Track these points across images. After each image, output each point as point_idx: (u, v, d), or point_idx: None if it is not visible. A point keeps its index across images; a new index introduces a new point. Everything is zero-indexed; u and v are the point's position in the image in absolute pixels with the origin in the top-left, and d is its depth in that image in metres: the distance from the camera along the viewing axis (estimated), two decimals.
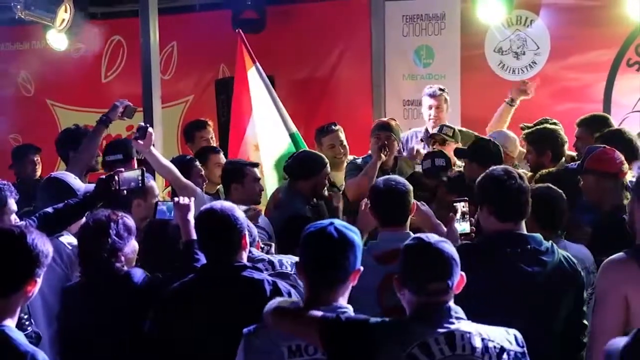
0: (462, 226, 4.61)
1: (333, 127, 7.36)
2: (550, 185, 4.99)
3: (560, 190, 4.90)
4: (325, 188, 6.54)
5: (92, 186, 5.30)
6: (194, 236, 4.59)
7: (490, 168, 4.33)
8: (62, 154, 7.24)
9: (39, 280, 3.34)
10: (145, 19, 8.61)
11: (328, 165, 6.51)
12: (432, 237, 3.41)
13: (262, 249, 5.00)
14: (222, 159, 7.02)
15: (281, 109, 7.38)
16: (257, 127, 7.40)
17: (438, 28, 9.33)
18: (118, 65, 10.85)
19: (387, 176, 5.03)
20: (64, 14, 9.30)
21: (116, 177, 5.19)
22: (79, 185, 5.40)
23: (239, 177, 6.34)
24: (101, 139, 6.80)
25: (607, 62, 8.65)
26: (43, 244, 3.32)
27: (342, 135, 7.38)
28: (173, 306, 4.23)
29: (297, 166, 6.44)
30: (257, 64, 7.51)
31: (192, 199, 4.92)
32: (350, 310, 3.44)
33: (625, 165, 5.32)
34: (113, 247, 4.50)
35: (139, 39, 8.78)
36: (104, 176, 5.32)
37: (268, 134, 7.33)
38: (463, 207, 4.72)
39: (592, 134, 6.44)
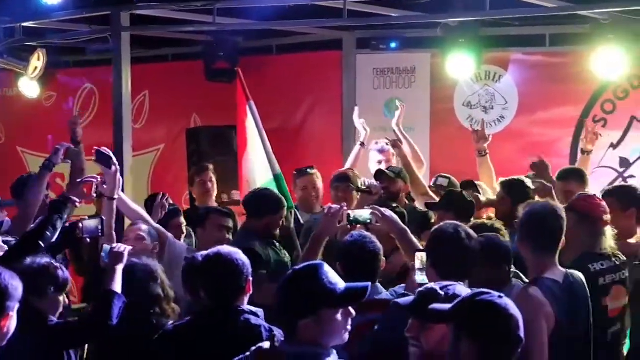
0: (422, 277, 4.63)
1: (309, 170, 7.53)
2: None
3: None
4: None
5: None
6: (115, 288, 4.72)
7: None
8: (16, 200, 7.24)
9: (12, 314, 3.32)
10: (118, 68, 8.66)
11: (285, 209, 6.41)
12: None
13: None
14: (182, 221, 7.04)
15: (268, 149, 7.42)
16: (249, 162, 7.45)
17: (408, 81, 9.47)
18: (89, 114, 10.86)
19: (357, 234, 5.02)
20: (37, 62, 9.34)
21: (80, 225, 5.28)
22: None
23: (202, 222, 6.41)
24: (46, 184, 6.77)
25: (573, 118, 8.81)
26: (11, 277, 3.33)
27: (317, 180, 7.49)
28: (169, 346, 4.35)
29: (252, 203, 6.40)
30: (251, 101, 7.58)
31: (129, 248, 4.99)
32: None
33: (608, 216, 5.36)
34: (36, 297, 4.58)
35: (110, 87, 8.82)
36: (67, 224, 5.42)
37: (255, 171, 7.37)
38: (423, 257, 4.74)
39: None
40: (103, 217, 5.57)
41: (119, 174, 6.05)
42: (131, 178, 8.58)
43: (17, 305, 3.35)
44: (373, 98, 9.51)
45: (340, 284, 3.48)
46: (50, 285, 4.67)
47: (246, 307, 4.32)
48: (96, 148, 6.22)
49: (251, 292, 4.35)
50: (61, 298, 4.77)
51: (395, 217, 5.18)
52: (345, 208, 5.41)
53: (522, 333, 3.09)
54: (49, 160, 6.49)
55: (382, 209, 5.21)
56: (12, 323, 3.34)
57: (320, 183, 7.49)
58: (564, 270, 4.62)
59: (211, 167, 8.07)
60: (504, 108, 9.09)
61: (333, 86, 9.73)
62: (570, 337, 4.46)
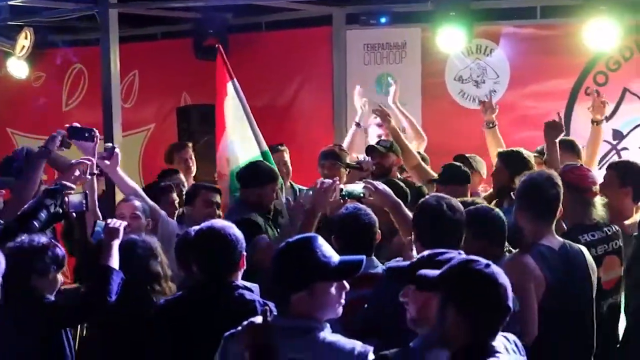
0: None
1: (279, 147, 7.57)
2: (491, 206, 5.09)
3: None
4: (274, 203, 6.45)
5: None
6: (112, 264, 4.64)
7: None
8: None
9: None
10: (106, 47, 8.56)
11: (278, 180, 6.45)
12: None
13: None
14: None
15: (254, 126, 7.38)
16: (229, 141, 7.39)
17: (399, 56, 9.40)
18: (79, 94, 10.80)
19: (352, 207, 5.00)
20: (24, 40, 9.28)
21: (66, 200, 5.26)
22: None
23: (191, 199, 6.42)
24: (42, 171, 6.74)
25: (565, 91, 8.76)
26: None
27: (287, 156, 7.56)
28: (162, 321, 4.31)
29: (246, 174, 6.40)
30: (235, 80, 7.51)
31: (125, 223, 4.93)
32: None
33: (597, 187, 5.37)
34: (36, 273, 4.57)
35: (100, 67, 8.75)
36: None
37: (238, 148, 7.31)
38: None
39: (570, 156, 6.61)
40: (87, 192, 5.55)
41: (118, 150, 6.08)
42: (122, 158, 8.49)
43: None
44: (364, 74, 9.44)
45: (335, 257, 3.44)
46: (53, 263, 4.63)
47: (240, 282, 4.26)
48: (67, 125, 6.21)
49: (245, 267, 4.29)
50: (59, 277, 4.72)
51: (389, 190, 5.15)
52: (338, 182, 5.38)
53: (510, 302, 3.07)
54: (45, 146, 6.45)
55: (375, 182, 5.17)
56: None
57: (288, 159, 7.51)
58: (562, 239, 4.66)
59: (190, 144, 8.07)
60: (496, 82, 9.03)
61: (323, 62, 9.65)
62: (564, 304, 4.50)
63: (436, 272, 3.15)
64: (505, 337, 3.30)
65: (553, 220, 4.66)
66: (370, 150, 7.30)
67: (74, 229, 6.68)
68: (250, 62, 9.51)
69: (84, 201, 5.39)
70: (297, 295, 3.38)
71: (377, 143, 7.37)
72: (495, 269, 3.07)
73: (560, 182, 4.69)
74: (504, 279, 3.06)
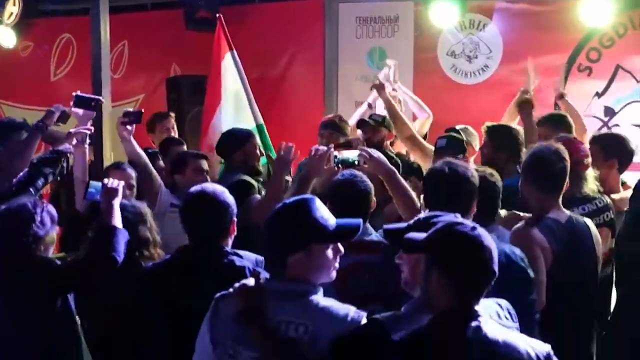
0: None
1: None
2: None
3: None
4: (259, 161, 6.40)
5: None
6: (115, 223, 4.53)
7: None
8: None
9: None
10: (96, 17, 8.46)
11: (255, 136, 6.46)
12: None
13: None
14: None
15: (251, 99, 7.33)
16: (224, 114, 7.31)
17: (391, 30, 9.34)
18: (67, 64, 10.71)
19: (349, 173, 4.95)
20: (12, 7, 9.21)
21: None
22: None
23: (181, 168, 6.28)
24: (36, 145, 6.67)
25: (559, 67, 8.70)
26: None
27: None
28: (150, 285, 4.23)
29: (224, 141, 6.38)
30: (234, 51, 7.43)
31: (122, 182, 4.82)
32: None
33: (589, 159, 5.34)
34: (36, 234, 4.48)
35: (89, 37, 8.65)
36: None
37: (234, 122, 7.25)
38: None
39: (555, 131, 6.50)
40: (69, 155, 5.51)
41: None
42: (110, 128, 8.42)
43: None
44: (356, 47, 9.40)
45: (332, 219, 3.42)
46: (52, 222, 4.57)
47: (231, 249, 4.20)
48: (74, 93, 6.16)
49: (235, 233, 4.23)
50: (55, 234, 4.65)
51: (384, 158, 5.09)
52: (332, 150, 5.33)
53: (496, 266, 3.03)
54: (42, 121, 6.40)
55: (370, 150, 5.12)
56: None
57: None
58: (568, 213, 4.67)
59: (173, 114, 8.01)
60: (488, 57, 9.00)
61: (315, 35, 9.60)
62: (569, 275, 4.51)
63: (423, 235, 3.12)
64: (497, 303, 3.27)
65: (559, 194, 4.66)
66: (361, 124, 7.25)
67: (61, 197, 6.61)
68: (242, 34, 9.41)
69: (64, 165, 5.37)
70: (294, 256, 3.34)
71: (370, 117, 7.31)
72: (482, 232, 3.04)
73: (567, 157, 4.67)
74: (489, 242, 3.03)
